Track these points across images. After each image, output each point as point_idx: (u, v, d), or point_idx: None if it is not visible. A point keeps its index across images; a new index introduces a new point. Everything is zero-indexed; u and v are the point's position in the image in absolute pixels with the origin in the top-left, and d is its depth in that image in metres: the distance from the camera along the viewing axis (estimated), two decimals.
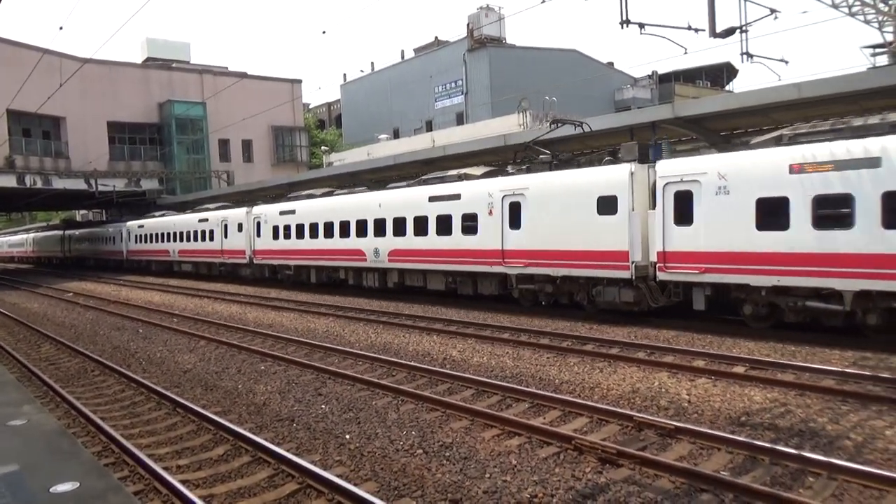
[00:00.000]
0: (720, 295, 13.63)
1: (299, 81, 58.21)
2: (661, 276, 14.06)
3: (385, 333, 15.09)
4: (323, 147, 59.46)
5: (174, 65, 54.52)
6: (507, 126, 35.56)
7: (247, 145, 55.06)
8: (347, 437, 8.06)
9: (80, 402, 9.84)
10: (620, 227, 14.50)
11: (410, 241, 19.99)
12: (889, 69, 19.10)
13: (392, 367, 11.63)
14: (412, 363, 11.59)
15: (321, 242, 24.17)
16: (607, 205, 14.85)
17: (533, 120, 37.38)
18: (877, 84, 14.73)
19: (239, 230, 29.51)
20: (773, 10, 16.87)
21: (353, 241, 22.52)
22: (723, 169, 13.03)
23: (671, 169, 13.96)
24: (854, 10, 23.83)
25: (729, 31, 16.29)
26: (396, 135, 55.97)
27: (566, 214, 15.61)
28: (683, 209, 13.65)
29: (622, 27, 16.09)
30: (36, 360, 13.85)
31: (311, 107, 78.35)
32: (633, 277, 14.36)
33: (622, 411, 8.28)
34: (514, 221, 16.87)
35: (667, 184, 13.89)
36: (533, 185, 16.57)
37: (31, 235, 68.26)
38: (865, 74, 16.38)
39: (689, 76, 60.65)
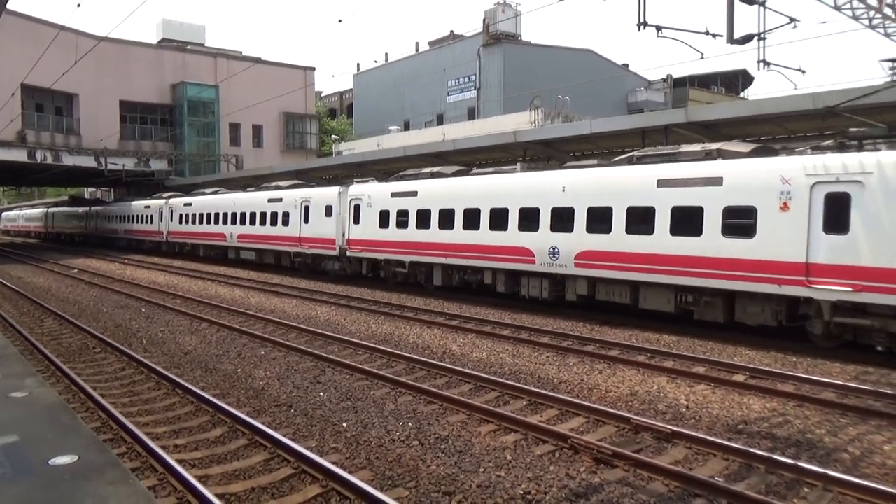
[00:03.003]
0: None
1: (312, 69, 58.21)
2: None
3: (386, 324, 15.11)
4: (333, 136, 59.47)
5: (188, 47, 54.57)
6: (519, 123, 35.50)
7: (257, 130, 55.13)
8: (344, 425, 8.08)
9: (80, 378, 9.91)
10: None
11: (620, 239, 14.70)
12: None
13: (391, 358, 11.65)
14: (412, 355, 11.60)
15: (457, 235, 18.71)
16: None
17: (545, 118, 37.30)
18: (894, 98, 14.63)
19: (327, 214, 24.23)
20: (792, 19, 16.73)
21: (512, 236, 17.12)
22: None
23: None
24: (874, 22, 23.62)
25: (747, 38, 16.15)
26: (407, 127, 55.90)
27: None
28: None
29: (639, 29, 16.00)
30: (39, 334, 13.94)
31: (323, 95, 78.35)
32: None
33: (619, 413, 8.28)
34: (835, 222, 11.63)
35: None
36: (882, 168, 11.20)
37: (51, 210, 63.08)
38: (882, 88, 16.26)
39: (704, 81, 60.39)
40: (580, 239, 15.54)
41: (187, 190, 40.17)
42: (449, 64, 55.74)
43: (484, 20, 52.56)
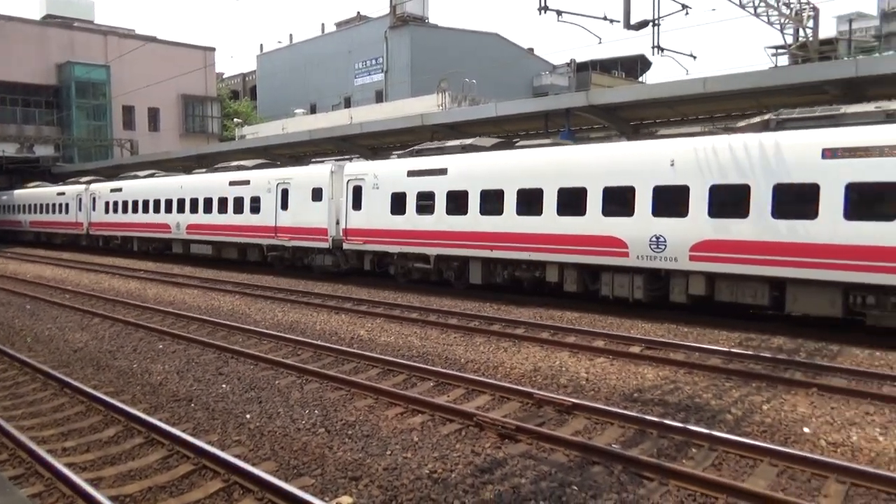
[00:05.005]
0: None
1: (212, 49, 55.71)
2: None
3: (293, 312, 14.82)
4: (235, 119, 57.36)
5: (76, 24, 50.91)
6: (426, 106, 35.48)
7: (153, 114, 52.28)
8: (248, 416, 7.88)
9: None
10: None
11: (762, 225, 11.94)
12: (787, 69, 20.31)
13: (298, 346, 11.44)
14: (318, 342, 11.44)
15: (508, 221, 15.58)
16: None
17: (452, 101, 37.45)
18: (775, 82, 15.67)
19: (315, 198, 20.45)
20: (684, 6, 17.56)
21: (593, 222, 14.09)
22: None
23: None
24: (759, 10, 25.17)
25: (642, 24, 16.82)
26: (314, 110, 54.70)
27: None
28: None
29: (540, 13, 16.31)
30: None
31: (224, 77, 75.26)
32: None
33: (523, 389, 8.50)
34: None
35: None
36: None
37: None
38: (766, 73, 17.36)
39: (606, 66, 62.40)
40: (698, 225, 12.61)
41: (112, 178, 34.73)
42: (356, 46, 54.85)
43: (391, 2, 51.99)
